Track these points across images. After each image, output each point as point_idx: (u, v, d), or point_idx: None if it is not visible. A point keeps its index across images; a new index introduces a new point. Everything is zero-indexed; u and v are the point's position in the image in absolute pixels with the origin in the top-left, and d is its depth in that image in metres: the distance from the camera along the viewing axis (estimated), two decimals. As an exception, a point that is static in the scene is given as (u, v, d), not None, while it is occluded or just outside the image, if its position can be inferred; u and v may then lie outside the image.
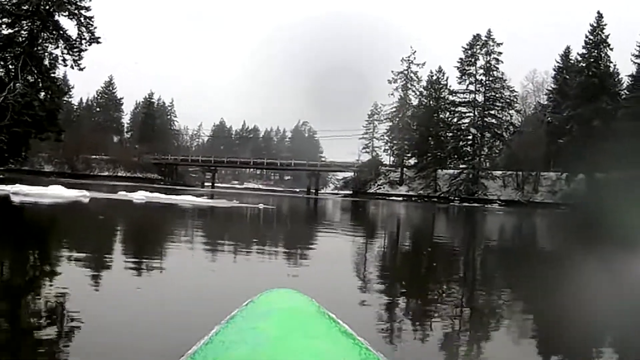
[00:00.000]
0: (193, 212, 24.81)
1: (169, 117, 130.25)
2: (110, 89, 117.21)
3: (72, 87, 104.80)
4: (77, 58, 54.43)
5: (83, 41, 54.46)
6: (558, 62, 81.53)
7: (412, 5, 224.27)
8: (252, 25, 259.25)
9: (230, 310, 1.70)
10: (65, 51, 54.14)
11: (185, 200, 29.95)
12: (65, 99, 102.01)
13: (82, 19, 54.31)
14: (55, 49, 54.24)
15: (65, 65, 54.93)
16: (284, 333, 1.41)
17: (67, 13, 53.87)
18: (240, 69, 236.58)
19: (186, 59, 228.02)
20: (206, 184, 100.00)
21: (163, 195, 30.91)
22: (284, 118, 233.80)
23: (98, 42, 55.36)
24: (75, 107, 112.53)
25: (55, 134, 55.76)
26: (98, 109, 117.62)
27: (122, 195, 30.50)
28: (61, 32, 54.13)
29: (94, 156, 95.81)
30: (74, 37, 54.15)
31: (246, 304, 1.72)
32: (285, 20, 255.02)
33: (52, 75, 55.21)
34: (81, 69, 54.95)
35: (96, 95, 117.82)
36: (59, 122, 56.59)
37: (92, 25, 54.60)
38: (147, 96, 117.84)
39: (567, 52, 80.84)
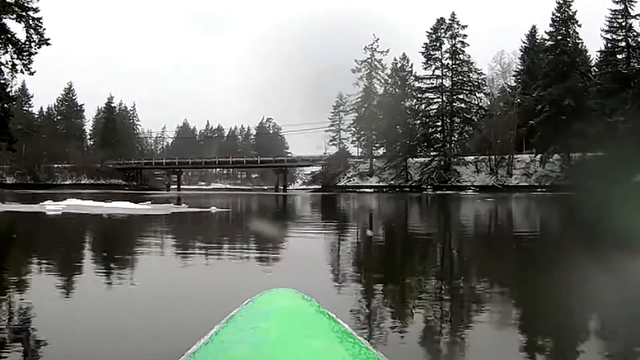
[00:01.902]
0: (109, 226, 18.84)
1: (131, 121, 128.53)
2: (71, 95, 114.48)
3: (32, 96, 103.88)
4: (26, 62, 52.98)
5: (32, 44, 52.53)
6: (524, 42, 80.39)
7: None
8: (212, 27, 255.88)
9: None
10: (15, 56, 52.15)
11: (119, 207, 24.17)
12: (25, 108, 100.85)
13: (30, 20, 52.74)
14: (4, 54, 52.06)
15: (16, 71, 52.80)
16: (284, 333, 1.43)
17: (14, 16, 52.01)
18: (204, 70, 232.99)
19: (147, 63, 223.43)
20: (172, 186, 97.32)
21: (92, 204, 25.58)
22: (248, 116, 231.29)
23: (47, 44, 53.89)
24: (36, 116, 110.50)
25: (7, 143, 53.68)
26: (59, 117, 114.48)
27: (40, 205, 24.60)
28: (9, 35, 51.93)
29: (56, 165, 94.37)
30: (22, 41, 52.18)
31: (246, 304, 1.69)
32: (252, 21, 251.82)
33: (1, 81, 52.68)
34: (31, 73, 53.61)
35: (56, 103, 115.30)
36: (10, 130, 54.33)
37: (40, 26, 53.13)
38: (107, 100, 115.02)
39: (533, 31, 79.88)
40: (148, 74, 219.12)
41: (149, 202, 28.62)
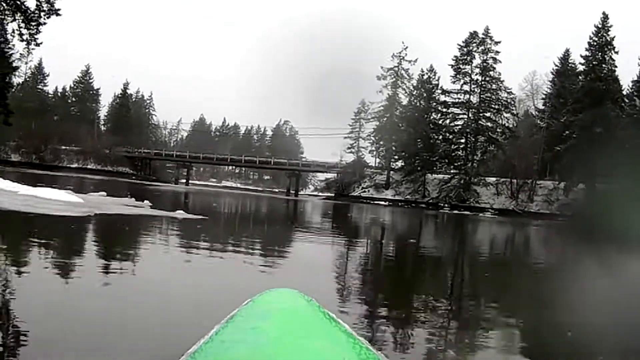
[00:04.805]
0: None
1: (147, 110, 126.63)
2: (87, 78, 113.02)
3: (48, 75, 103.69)
4: (34, 32, 50.52)
5: (42, 13, 50.37)
6: (556, 65, 77.67)
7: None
8: (237, 23, 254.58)
9: None
10: (23, 25, 50.03)
11: (35, 197, 17.90)
12: (40, 87, 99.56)
13: (41, -12, 50.10)
14: (12, 21, 49.98)
15: (22, 40, 50.74)
16: (284, 333, 1.43)
17: (25, -18, 49.70)
18: (224, 66, 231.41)
19: (168, 54, 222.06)
20: (181, 180, 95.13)
21: (11, 187, 19.53)
22: (266, 116, 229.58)
23: (58, 15, 51.50)
24: (50, 95, 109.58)
25: (3, 116, 51.71)
26: (74, 99, 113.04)
27: None
28: (19, 2, 49.84)
29: (64, 147, 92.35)
30: (32, 9, 50.04)
31: (246, 304, 1.68)
32: (271, 19, 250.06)
33: (4, 49, 50.76)
34: (38, 45, 51.06)
35: (72, 85, 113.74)
36: (8, 103, 52.53)
37: (51, -6, 50.46)
38: (123, 86, 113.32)
39: (566, 55, 77.08)
40: (171, 68, 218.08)
41: (104, 193, 25.32)
